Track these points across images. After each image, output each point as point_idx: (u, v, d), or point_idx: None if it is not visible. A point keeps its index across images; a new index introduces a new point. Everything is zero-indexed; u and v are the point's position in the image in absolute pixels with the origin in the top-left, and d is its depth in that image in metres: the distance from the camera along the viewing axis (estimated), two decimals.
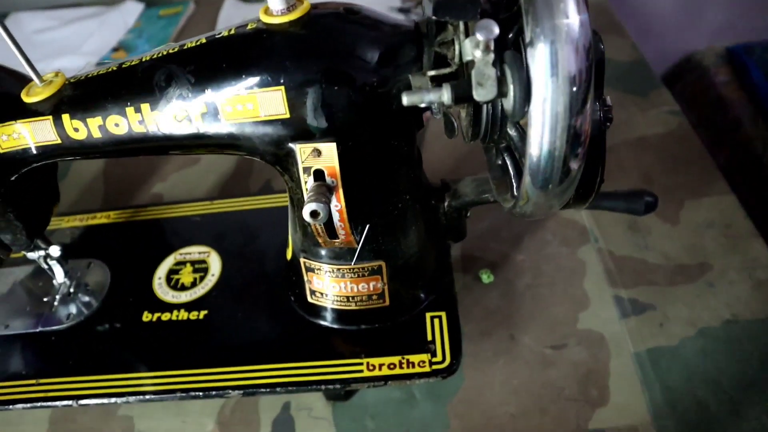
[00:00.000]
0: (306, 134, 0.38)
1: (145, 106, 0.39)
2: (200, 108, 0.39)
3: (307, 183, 0.40)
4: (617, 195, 0.48)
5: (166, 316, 0.53)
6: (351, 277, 0.46)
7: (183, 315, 0.53)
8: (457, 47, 0.34)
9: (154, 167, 0.77)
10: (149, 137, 0.41)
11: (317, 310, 0.50)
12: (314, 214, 0.37)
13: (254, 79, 0.37)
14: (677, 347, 0.51)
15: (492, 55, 0.29)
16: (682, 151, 0.68)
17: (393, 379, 0.46)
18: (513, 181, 0.36)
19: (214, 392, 0.47)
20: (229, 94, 0.38)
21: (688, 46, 1.05)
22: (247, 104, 0.38)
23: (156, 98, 0.39)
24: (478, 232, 0.61)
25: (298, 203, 0.44)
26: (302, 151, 0.39)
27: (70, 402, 0.48)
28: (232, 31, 0.38)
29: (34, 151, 0.43)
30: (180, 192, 0.73)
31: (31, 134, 0.42)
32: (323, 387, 0.46)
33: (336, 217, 0.41)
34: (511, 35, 0.31)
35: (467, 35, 0.33)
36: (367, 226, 0.43)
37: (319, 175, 0.40)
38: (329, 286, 0.48)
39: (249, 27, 0.38)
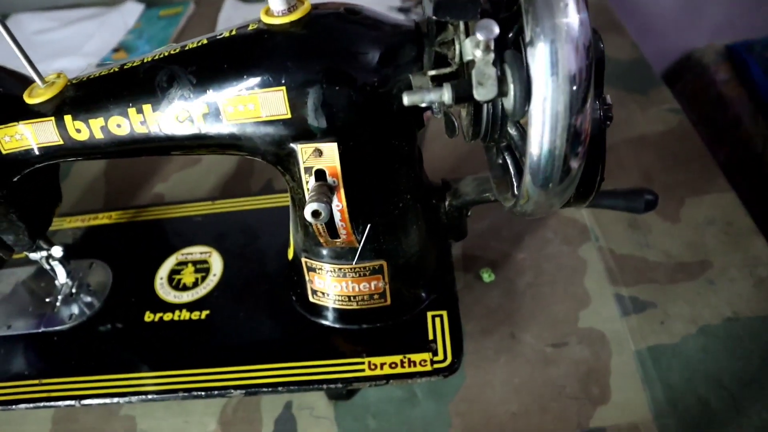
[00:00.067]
0: (307, 134, 0.38)
1: (146, 107, 0.39)
2: (202, 108, 0.39)
3: (309, 183, 0.40)
4: (617, 193, 0.48)
5: (168, 316, 0.53)
6: (352, 277, 0.47)
7: (185, 315, 0.53)
8: (457, 47, 0.34)
9: (156, 167, 0.77)
10: (151, 138, 0.41)
11: (319, 310, 0.50)
12: (316, 213, 0.37)
13: (255, 80, 0.37)
14: (678, 345, 0.51)
15: (492, 55, 0.29)
16: (682, 149, 0.68)
17: (394, 378, 0.46)
18: (513, 180, 0.36)
19: (216, 392, 0.47)
20: (231, 95, 0.38)
21: (688, 44, 1.05)
22: (248, 104, 0.38)
23: (158, 99, 0.39)
24: (479, 231, 0.62)
25: (299, 203, 0.44)
26: (303, 151, 0.39)
27: (72, 402, 0.49)
28: (234, 32, 0.39)
29: (37, 152, 0.43)
30: (181, 192, 0.73)
31: (33, 135, 0.42)
32: (325, 386, 0.46)
33: (337, 216, 0.42)
34: (511, 35, 0.31)
35: (467, 35, 0.33)
36: (369, 225, 0.43)
37: (320, 175, 0.40)
38: (331, 286, 0.48)
39: (250, 28, 0.38)
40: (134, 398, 0.48)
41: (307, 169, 0.40)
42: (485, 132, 0.35)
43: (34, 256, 0.54)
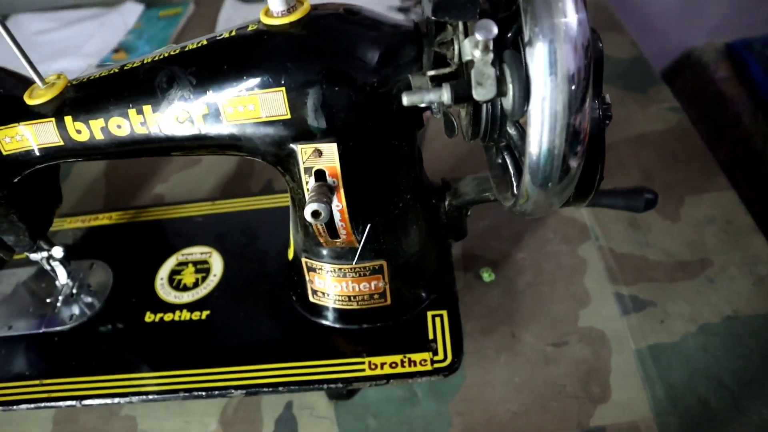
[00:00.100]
0: (307, 135, 0.39)
1: (147, 108, 0.39)
2: (202, 109, 0.39)
3: (309, 183, 0.40)
4: (617, 192, 0.48)
5: (168, 317, 0.53)
6: (352, 277, 0.47)
7: (185, 315, 0.53)
8: (456, 47, 0.34)
9: (156, 168, 0.77)
10: (151, 139, 0.41)
11: (319, 310, 0.50)
12: (316, 214, 0.37)
13: (255, 80, 0.37)
14: (678, 344, 0.51)
15: (491, 55, 0.29)
16: (682, 148, 0.68)
17: (395, 378, 0.46)
18: (513, 179, 0.37)
19: (216, 392, 0.47)
20: (231, 96, 0.38)
21: (687, 42, 1.05)
22: (248, 105, 0.38)
23: (158, 100, 0.39)
24: (479, 230, 0.62)
25: (299, 203, 0.44)
26: (303, 151, 0.39)
27: (73, 402, 0.49)
28: (233, 33, 0.39)
29: (37, 153, 0.43)
30: (181, 193, 0.73)
31: (33, 136, 0.42)
32: (325, 386, 0.46)
33: (337, 216, 0.42)
34: (510, 35, 0.31)
35: (466, 35, 0.33)
36: (368, 225, 0.43)
37: (320, 175, 0.40)
38: (331, 286, 0.48)
39: (250, 28, 0.38)
40: (135, 398, 0.48)
41: (307, 170, 0.40)
42: (484, 132, 0.36)
43: (34, 256, 0.55)
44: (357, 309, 0.48)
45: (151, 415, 0.52)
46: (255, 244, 0.59)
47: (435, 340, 0.48)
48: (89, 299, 0.56)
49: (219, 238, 0.60)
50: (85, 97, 0.41)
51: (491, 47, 0.28)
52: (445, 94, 0.31)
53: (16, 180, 0.46)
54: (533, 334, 0.53)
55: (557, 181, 0.30)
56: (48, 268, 0.56)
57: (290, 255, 0.51)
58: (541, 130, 0.28)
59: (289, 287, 0.53)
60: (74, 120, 0.41)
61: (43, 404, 0.49)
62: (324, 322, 0.50)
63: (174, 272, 0.57)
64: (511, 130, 0.35)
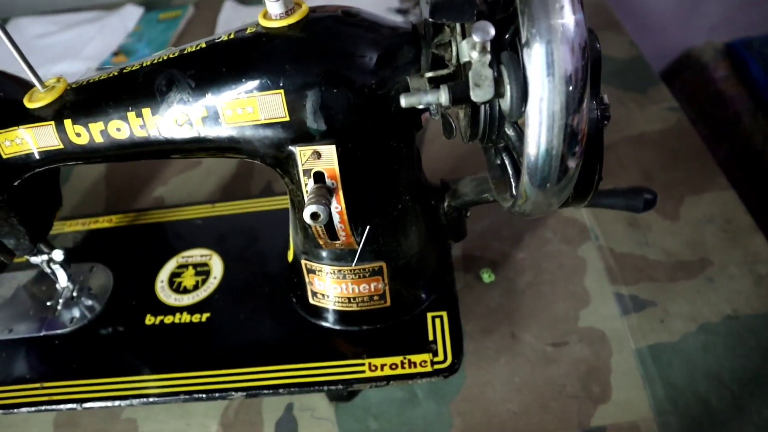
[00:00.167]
0: (306, 137, 0.39)
1: (146, 111, 0.40)
2: (201, 112, 0.39)
3: (308, 185, 0.40)
4: (616, 192, 0.49)
5: (168, 319, 0.53)
6: (352, 278, 0.47)
7: (186, 318, 0.53)
8: (454, 49, 0.34)
9: (155, 171, 0.77)
10: (151, 141, 0.41)
11: (319, 312, 0.50)
12: (315, 216, 0.37)
13: (254, 83, 0.37)
14: (678, 343, 0.51)
15: (489, 56, 0.29)
16: (681, 147, 0.68)
17: (395, 379, 0.46)
18: (512, 180, 0.37)
19: (217, 394, 0.47)
20: (230, 98, 0.38)
21: (686, 41, 1.05)
22: (247, 108, 0.38)
23: (157, 103, 0.39)
24: (479, 231, 0.62)
25: (298, 205, 0.44)
26: (302, 153, 0.39)
27: (74, 405, 0.49)
28: (232, 36, 0.39)
29: (37, 157, 0.43)
30: (181, 195, 0.73)
31: (33, 139, 0.42)
32: (326, 388, 0.46)
33: (336, 218, 0.42)
34: (507, 36, 0.31)
35: (464, 37, 0.33)
36: (368, 227, 0.43)
37: (319, 177, 0.40)
38: (330, 288, 0.48)
39: (248, 31, 0.38)
40: (136, 401, 0.48)
41: (306, 172, 0.40)
42: (483, 133, 0.36)
43: (35, 259, 0.55)
44: (357, 310, 0.49)
45: (152, 417, 0.52)
46: (255, 246, 0.59)
47: (435, 341, 0.48)
48: (90, 302, 0.56)
49: (219, 240, 0.60)
50: (85, 100, 0.41)
51: (489, 49, 0.29)
52: (443, 96, 0.31)
53: (16, 183, 0.46)
54: (533, 334, 0.53)
55: (556, 182, 0.30)
56: (48, 271, 0.56)
57: (290, 257, 0.51)
58: (539, 131, 0.28)
59: (289, 289, 0.53)
60: (74, 123, 0.41)
61: (43, 407, 0.49)
62: (324, 323, 0.50)
63: (174, 275, 0.57)
64: (510, 131, 0.35)
